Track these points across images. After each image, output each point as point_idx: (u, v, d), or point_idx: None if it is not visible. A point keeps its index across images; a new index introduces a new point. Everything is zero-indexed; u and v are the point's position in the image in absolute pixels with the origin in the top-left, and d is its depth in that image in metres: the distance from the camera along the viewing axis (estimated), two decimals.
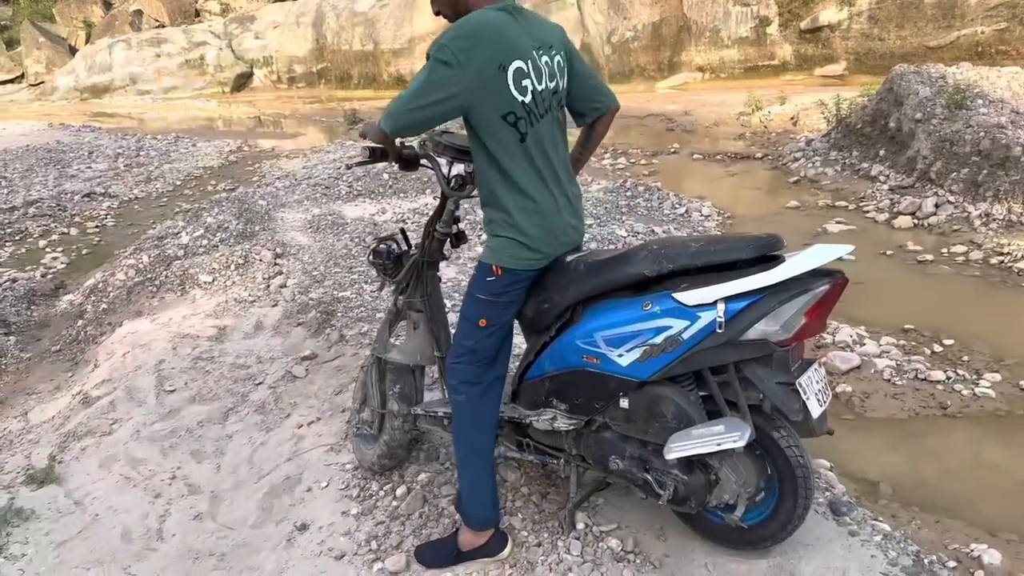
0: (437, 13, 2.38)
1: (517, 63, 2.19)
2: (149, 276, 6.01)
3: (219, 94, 31.16)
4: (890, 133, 9.55)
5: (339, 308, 5.03)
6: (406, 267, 2.89)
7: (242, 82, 32.54)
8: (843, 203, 8.67)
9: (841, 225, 7.82)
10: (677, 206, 8.55)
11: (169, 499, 3.26)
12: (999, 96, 8.93)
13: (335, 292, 5.37)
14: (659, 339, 2.20)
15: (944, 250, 6.80)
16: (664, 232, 7.27)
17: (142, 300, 5.70)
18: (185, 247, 6.98)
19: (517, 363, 2.79)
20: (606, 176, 10.27)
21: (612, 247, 6.28)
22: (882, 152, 9.53)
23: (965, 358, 4.69)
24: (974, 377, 4.41)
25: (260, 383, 4.23)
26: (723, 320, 2.09)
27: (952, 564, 2.68)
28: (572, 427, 2.52)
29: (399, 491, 3.10)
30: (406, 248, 3.00)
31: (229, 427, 3.83)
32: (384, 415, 3.08)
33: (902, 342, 4.94)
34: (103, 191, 11.20)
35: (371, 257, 2.99)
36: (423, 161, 2.61)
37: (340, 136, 17.81)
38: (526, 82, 2.22)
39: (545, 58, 2.30)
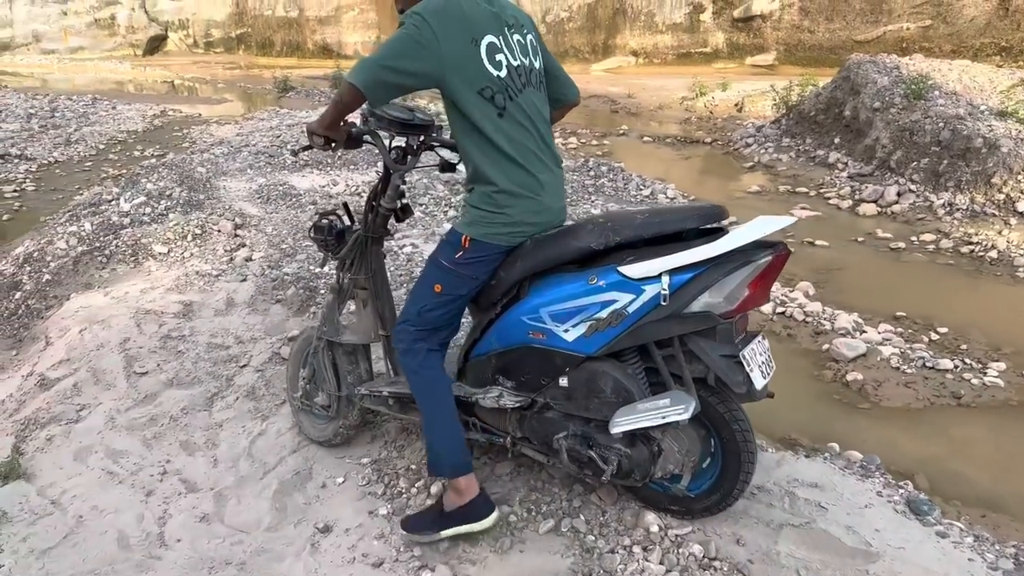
0: (402, 10, 2.30)
1: (489, 37, 2.19)
2: (96, 246, 5.45)
3: (131, 56, 29.55)
4: (845, 121, 9.63)
5: (320, 285, 4.63)
6: (349, 243, 2.80)
7: (155, 45, 31.01)
8: (803, 189, 8.69)
9: (806, 211, 7.82)
10: (642, 187, 8.39)
11: (165, 497, 2.86)
12: (951, 88, 9.09)
13: (311, 267, 4.96)
14: (604, 313, 2.18)
15: (913, 238, 6.85)
16: None
17: (91, 271, 5.15)
18: (128, 215, 6.40)
19: (462, 342, 2.69)
20: (563, 155, 10.04)
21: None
22: (837, 140, 9.61)
23: (963, 347, 4.67)
24: (979, 367, 4.38)
25: (245, 365, 3.82)
26: (668, 293, 2.08)
27: None
28: (518, 404, 2.47)
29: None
30: (349, 224, 2.90)
31: (217, 414, 3.43)
32: (340, 398, 2.99)
33: (899, 329, 4.89)
34: (18, 153, 10.31)
35: (312, 232, 2.88)
36: (366, 137, 2.54)
37: (271, 104, 17.04)
38: (500, 56, 2.22)
39: (517, 36, 2.29)
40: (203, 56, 30.96)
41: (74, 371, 3.83)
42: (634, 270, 2.12)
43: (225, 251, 5.45)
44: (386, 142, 2.61)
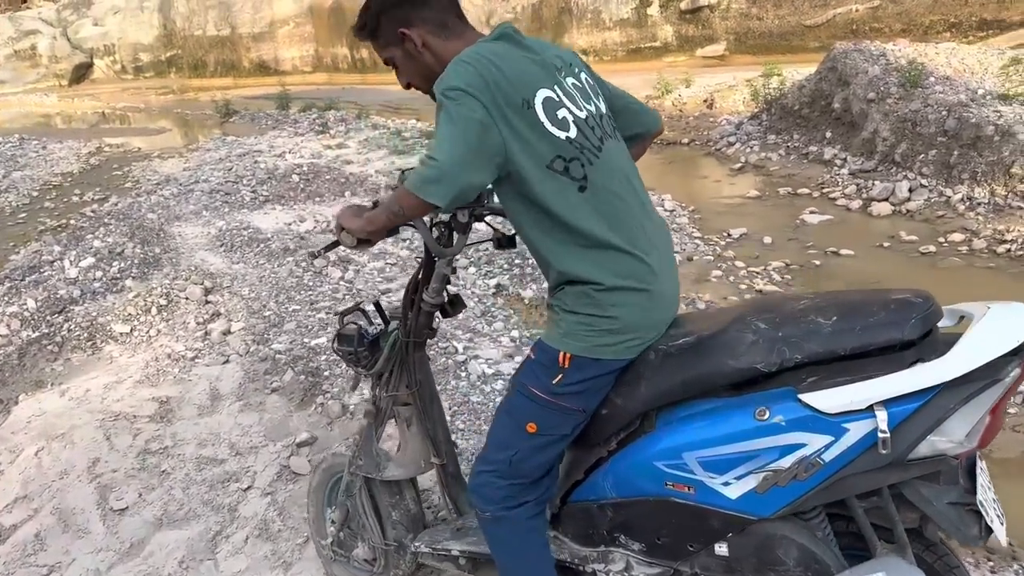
0: (407, 86, 1.87)
1: (543, 92, 1.65)
2: (45, 332, 4.64)
3: (57, 87, 28.14)
4: (836, 114, 9.17)
5: (322, 363, 3.93)
6: (385, 352, 2.20)
7: (81, 73, 29.66)
8: (805, 190, 8.19)
9: (817, 215, 7.30)
10: None
11: None
12: (943, 73, 8.69)
13: (305, 339, 4.24)
14: (787, 462, 1.55)
15: (941, 239, 6.37)
16: None
17: (41, 364, 4.35)
18: (76, 282, 5.59)
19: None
20: None
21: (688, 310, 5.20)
22: (829, 134, 9.15)
23: None
24: None
25: (248, 488, 3.11)
26: (888, 435, 1.45)
27: None
28: None
29: None
30: (382, 325, 2.28)
31: (225, 565, 2.72)
32: (388, 550, 2.35)
33: None
34: None
35: (337, 344, 2.23)
36: None
37: (214, 130, 16.06)
38: (562, 112, 1.67)
39: (571, 80, 1.74)
40: (133, 82, 29.69)
41: (35, 513, 3.08)
42: (828, 400, 1.49)
43: (198, 323, 4.70)
44: (426, 219, 1.99)
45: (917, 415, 1.46)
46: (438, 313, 2.18)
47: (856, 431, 1.48)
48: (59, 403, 3.89)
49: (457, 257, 2.17)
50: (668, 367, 1.69)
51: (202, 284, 5.20)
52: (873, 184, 7.72)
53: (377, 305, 2.33)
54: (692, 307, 5.04)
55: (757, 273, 5.80)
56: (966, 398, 1.44)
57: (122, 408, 3.76)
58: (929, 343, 1.50)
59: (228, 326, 4.61)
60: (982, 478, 1.61)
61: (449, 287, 2.17)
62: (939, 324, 1.55)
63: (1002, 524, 1.60)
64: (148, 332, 4.64)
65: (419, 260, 2.16)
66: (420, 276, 2.12)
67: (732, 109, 12.49)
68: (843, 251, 6.27)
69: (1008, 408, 3.77)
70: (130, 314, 4.79)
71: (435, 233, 2.04)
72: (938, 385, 1.44)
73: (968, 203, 6.91)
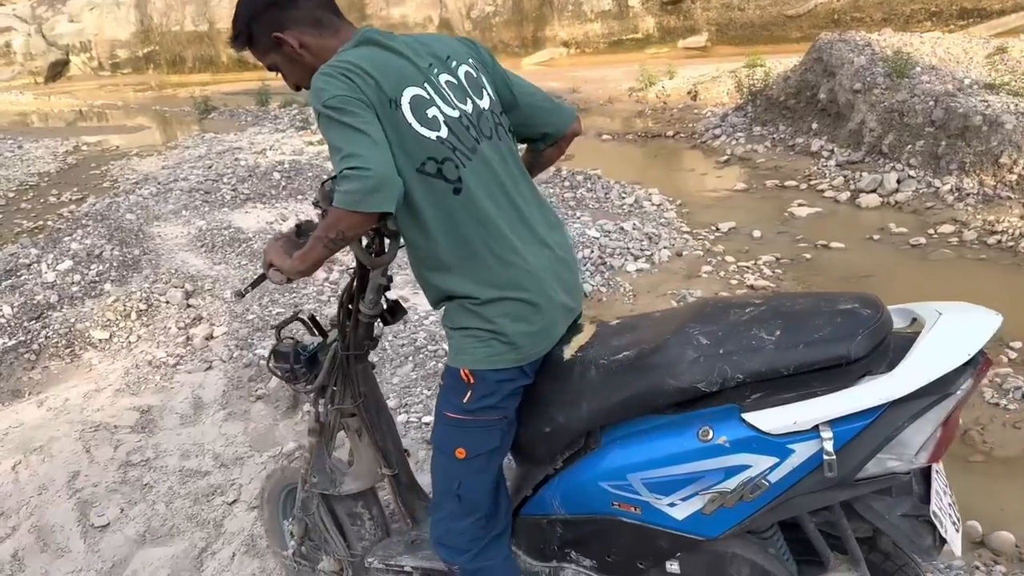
0: (297, 88, 1.80)
1: (411, 90, 1.59)
2: (22, 339, 4.51)
3: (32, 85, 27.73)
4: (821, 105, 9.14)
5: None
6: (325, 366, 2.07)
7: (58, 71, 29.28)
8: (792, 183, 8.15)
9: (806, 208, 7.25)
10: (624, 195, 7.73)
11: None
12: (929, 63, 8.67)
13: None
14: (732, 483, 1.49)
15: (931, 231, 6.34)
16: (633, 228, 6.42)
17: (18, 374, 4.22)
18: (53, 287, 5.45)
19: None
20: None
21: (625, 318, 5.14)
22: (815, 125, 9.11)
23: None
24: None
25: (234, 501, 3.01)
26: (833, 457, 1.39)
27: None
28: None
29: None
30: (320, 338, 2.16)
31: None
32: (354, 563, 2.26)
33: None
34: None
35: (272, 362, 2.11)
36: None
37: (193, 127, 15.86)
38: (432, 111, 1.60)
39: (445, 76, 1.68)
40: (110, 79, 29.34)
41: (12, 531, 2.97)
42: (771, 421, 1.43)
43: (179, 328, 4.58)
44: None
45: (865, 433, 1.40)
46: (378, 322, 2.08)
47: (802, 452, 1.42)
48: (37, 414, 3.77)
49: (394, 263, 2.03)
50: (608, 385, 1.62)
51: (183, 287, 5.08)
52: (861, 176, 7.68)
53: (312, 319, 2.18)
54: (684, 302, 4.97)
55: (748, 268, 5.74)
56: (916, 414, 1.38)
57: (102, 418, 3.64)
58: (879, 354, 1.43)
59: (211, 331, 4.49)
60: (937, 483, 1.55)
61: (387, 294, 2.05)
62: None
63: (957, 532, 1.55)
64: (128, 338, 4.52)
65: (351, 272, 2.04)
66: (355, 287, 1.99)
67: (716, 101, 12.45)
68: (833, 244, 6.22)
69: (1009, 404, 3.73)
70: (109, 319, 4.66)
71: (364, 241, 1.88)
72: (886, 403, 1.38)
73: (957, 194, 6.88)
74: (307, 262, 1.64)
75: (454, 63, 1.71)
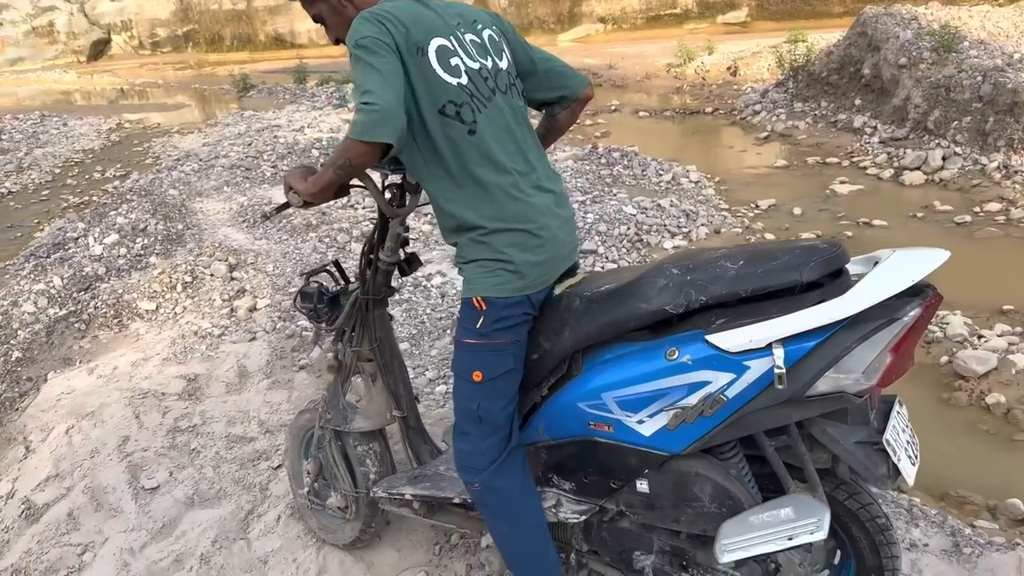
0: (336, 42, 1.94)
1: (437, 41, 1.75)
2: (72, 309, 4.63)
3: (75, 64, 28.14)
4: (865, 80, 8.97)
5: None
6: (346, 309, 2.29)
7: (99, 50, 29.66)
8: (834, 159, 8.03)
9: (847, 185, 7.15)
10: (661, 172, 7.68)
11: None
12: (977, 37, 8.46)
13: None
14: (693, 399, 1.63)
15: (976, 209, 6.22)
16: (670, 205, 6.38)
17: (68, 342, 4.34)
18: (100, 260, 5.58)
19: None
20: (562, 140, 9.29)
21: (618, 266, 5.23)
22: (858, 101, 8.95)
23: None
24: None
25: (279, 466, 3.07)
26: (784, 371, 1.51)
27: None
28: (583, 516, 1.96)
29: None
30: (343, 284, 2.42)
31: (257, 544, 2.69)
32: (359, 498, 2.44)
33: (1017, 329, 4.24)
34: None
35: (298, 301, 2.37)
36: (353, 180, 1.90)
37: (232, 105, 16.02)
38: (455, 60, 1.77)
39: (470, 35, 1.86)
40: (151, 57, 29.67)
41: (67, 491, 3.06)
42: (730, 340, 1.56)
43: (223, 300, 4.67)
44: (377, 181, 2.08)
45: (815, 353, 1.50)
46: (396, 271, 2.27)
47: (756, 368, 1.54)
48: (88, 381, 3.88)
49: (413, 215, 2.22)
50: (590, 312, 1.77)
51: (226, 260, 5.17)
52: (905, 152, 7.55)
53: (337, 264, 2.42)
54: None
55: None
56: (863, 336, 1.48)
57: (150, 386, 3.74)
58: (836, 285, 1.52)
59: (254, 303, 4.57)
60: (897, 420, 1.66)
61: (406, 247, 2.26)
62: (857, 272, 1.58)
63: (913, 465, 1.64)
64: (174, 309, 4.62)
65: (373, 221, 2.20)
66: (375, 237, 2.19)
67: (756, 77, 12.27)
68: (876, 222, 6.14)
69: None
70: (155, 291, 4.76)
71: (388, 195, 2.11)
72: (836, 324, 1.48)
73: (1004, 171, 6.75)
74: (319, 184, 1.77)
75: (479, 26, 1.88)
